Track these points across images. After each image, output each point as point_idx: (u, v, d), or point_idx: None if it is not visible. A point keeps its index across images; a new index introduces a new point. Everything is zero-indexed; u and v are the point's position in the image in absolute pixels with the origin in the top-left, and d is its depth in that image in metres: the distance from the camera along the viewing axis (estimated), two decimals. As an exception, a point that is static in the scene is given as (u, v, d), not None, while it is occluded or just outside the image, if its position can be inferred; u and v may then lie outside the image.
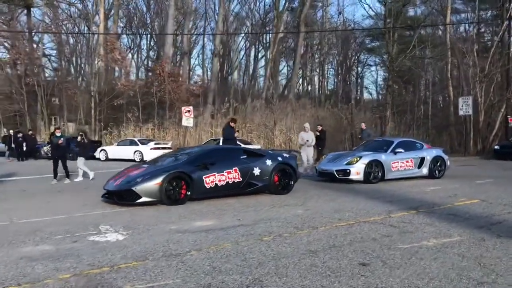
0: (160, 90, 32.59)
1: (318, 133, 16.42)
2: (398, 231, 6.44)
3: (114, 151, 24.81)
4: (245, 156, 9.96)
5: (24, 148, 24.46)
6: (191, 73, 50.03)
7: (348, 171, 12.18)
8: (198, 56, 57.03)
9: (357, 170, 12.12)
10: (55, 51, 42.57)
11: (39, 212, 8.13)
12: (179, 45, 45.55)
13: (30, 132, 26.78)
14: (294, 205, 8.72)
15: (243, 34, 48.41)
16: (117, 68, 39.99)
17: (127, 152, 24.10)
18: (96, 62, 35.45)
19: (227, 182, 9.38)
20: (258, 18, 49.08)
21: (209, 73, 46.50)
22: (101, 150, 25.21)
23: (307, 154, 14.77)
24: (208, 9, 49.26)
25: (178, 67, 40.28)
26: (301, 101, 34.08)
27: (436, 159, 13.38)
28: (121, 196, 8.62)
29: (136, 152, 23.72)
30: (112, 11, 41.25)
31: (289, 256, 5.14)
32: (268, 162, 10.02)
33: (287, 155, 10.67)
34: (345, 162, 12.41)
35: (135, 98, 32.61)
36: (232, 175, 9.45)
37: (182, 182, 8.81)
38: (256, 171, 9.79)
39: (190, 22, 42.59)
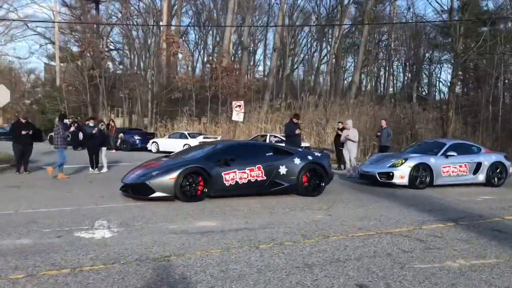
0: (215, 84, 32.55)
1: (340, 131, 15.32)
2: (422, 246, 5.53)
3: (165, 143, 25.00)
4: (271, 154, 9.28)
5: (80, 138, 25.25)
6: (254, 68, 49.98)
7: (391, 174, 11.13)
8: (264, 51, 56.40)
9: (401, 174, 11.04)
10: (121, 45, 44.02)
11: (52, 202, 7.95)
12: (241, 40, 45.42)
13: (87, 123, 27.60)
14: (317, 209, 7.95)
15: (306, 28, 47.26)
16: (179, 63, 40.56)
17: (176, 145, 24.14)
18: (155, 55, 36.03)
19: (249, 180, 8.77)
20: (324, 13, 47.69)
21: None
22: (152, 142, 25.52)
23: (350, 154, 13.81)
24: (273, 4, 48.53)
25: (234, 62, 40.05)
26: (360, 98, 32.56)
27: (495, 165, 11.94)
28: (136, 190, 8.28)
29: (186, 145, 23.73)
30: (175, 7, 41.84)
31: (277, 269, 4.45)
32: (297, 160, 9.29)
33: (319, 154, 9.85)
34: (389, 165, 11.36)
35: (191, 92, 32.83)
36: (255, 173, 8.82)
37: (199, 178, 8.32)
38: (283, 169, 9.10)
39: (251, 17, 42.22)
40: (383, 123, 15.35)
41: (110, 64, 41.63)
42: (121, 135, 27.19)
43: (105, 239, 5.41)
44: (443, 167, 11.36)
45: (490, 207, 8.60)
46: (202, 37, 50.62)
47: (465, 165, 11.61)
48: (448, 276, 4.40)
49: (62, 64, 43.58)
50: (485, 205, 8.84)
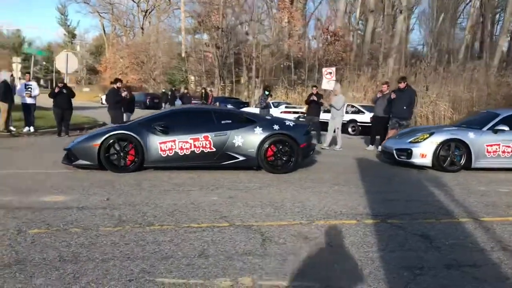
0: (324, 51, 30.66)
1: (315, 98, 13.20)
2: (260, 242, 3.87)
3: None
4: (228, 122, 7.86)
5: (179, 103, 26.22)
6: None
7: (409, 151, 8.76)
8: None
9: (422, 151, 8.61)
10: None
11: (38, 164, 7.85)
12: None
13: (186, 91, 28.38)
14: (238, 188, 6.43)
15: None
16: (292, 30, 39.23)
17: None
18: (262, 22, 35.32)
19: (193, 152, 7.53)
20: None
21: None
22: (242, 112, 25.19)
23: (335, 124, 12.02)
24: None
25: (350, 27, 37.17)
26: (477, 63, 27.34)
27: None
28: (66, 155, 7.69)
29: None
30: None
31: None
32: (258, 130, 7.72)
33: (291, 123, 8.06)
34: (410, 140, 8.95)
35: (303, 60, 31.44)
36: (200, 143, 7.54)
37: (129, 146, 7.41)
38: (238, 140, 7.65)
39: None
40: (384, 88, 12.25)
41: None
42: (217, 103, 27.53)
43: None
44: (487, 145, 8.56)
45: None
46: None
47: (523, 143, 8.59)
48: None
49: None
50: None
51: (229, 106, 26.56)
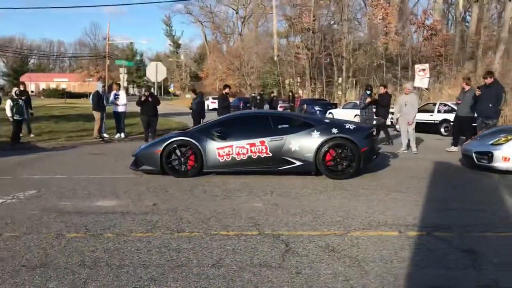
0: (421, 46, 29.08)
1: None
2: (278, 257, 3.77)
3: (339, 114, 23.89)
4: (285, 126, 7.73)
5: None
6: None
7: (490, 155, 7.91)
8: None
9: (505, 155, 7.73)
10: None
11: (74, 170, 8.54)
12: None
13: (273, 95, 28.58)
14: (287, 195, 6.28)
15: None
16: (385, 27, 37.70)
17: (348, 115, 22.77)
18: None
19: (250, 157, 7.53)
20: None
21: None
22: (329, 113, 24.77)
23: (408, 126, 11.18)
24: None
25: (445, 20, 34.72)
26: None
27: None
28: (133, 161, 8.13)
29: (356, 116, 22.14)
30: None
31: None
32: (315, 134, 7.49)
33: (351, 127, 7.67)
34: (491, 142, 8.08)
35: (397, 58, 30.14)
36: (257, 148, 7.52)
37: (189, 152, 7.63)
38: (294, 145, 7.50)
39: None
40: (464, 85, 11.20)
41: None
42: (304, 106, 27.36)
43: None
44: None
45: None
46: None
47: None
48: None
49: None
50: None
51: (316, 108, 26.32)
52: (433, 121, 17.56)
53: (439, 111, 17.80)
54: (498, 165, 7.80)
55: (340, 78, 33.84)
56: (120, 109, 14.69)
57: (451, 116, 17.06)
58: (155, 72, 17.45)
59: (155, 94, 15.63)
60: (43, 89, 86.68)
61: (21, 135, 12.97)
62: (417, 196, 6.20)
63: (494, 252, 4.00)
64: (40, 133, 15.14)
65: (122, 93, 15.01)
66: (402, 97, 11.66)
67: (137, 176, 7.80)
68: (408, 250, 4.07)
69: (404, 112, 11.27)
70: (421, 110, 16.66)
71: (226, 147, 7.55)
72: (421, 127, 15.75)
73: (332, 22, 41.15)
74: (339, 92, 33.09)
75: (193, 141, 7.58)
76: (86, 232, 4.57)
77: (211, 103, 43.20)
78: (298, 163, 7.50)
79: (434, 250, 4.07)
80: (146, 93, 14.02)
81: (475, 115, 10.37)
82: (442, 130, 17.26)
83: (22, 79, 53.48)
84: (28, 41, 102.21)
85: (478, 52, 27.03)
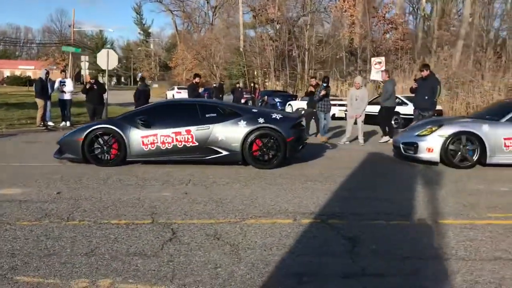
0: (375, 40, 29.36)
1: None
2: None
3: (298, 105, 23.96)
4: (213, 115, 7.65)
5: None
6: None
7: (415, 145, 8.02)
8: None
9: (429, 146, 7.85)
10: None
11: (41, 157, 8.30)
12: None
13: (238, 86, 28.42)
14: (202, 184, 6.21)
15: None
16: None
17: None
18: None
19: (175, 146, 7.43)
20: None
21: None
22: (288, 105, 24.81)
23: (358, 119, 11.35)
24: None
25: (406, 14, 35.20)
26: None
27: None
28: (59, 150, 7.88)
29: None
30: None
31: None
32: (242, 124, 7.44)
33: (278, 116, 7.65)
34: (417, 133, 8.20)
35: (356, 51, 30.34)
36: (182, 137, 7.41)
37: (112, 140, 7.46)
38: (221, 135, 7.43)
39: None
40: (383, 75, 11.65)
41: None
42: (265, 97, 27.35)
43: None
44: (505, 139, 7.62)
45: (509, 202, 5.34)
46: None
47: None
48: None
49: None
50: (504, 200, 5.52)
51: (277, 100, 26.34)
52: (383, 114, 17.74)
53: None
54: (423, 155, 7.93)
55: (298, 70, 33.94)
56: (66, 96, 14.33)
57: (400, 109, 17.37)
58: (106, 60, 17.03)
59: (101, 82, 15.26)
60: (7, 76, 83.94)
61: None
62: (332, 186, 6.22)
63: (376, 240, 4.03)
64: (-16, 120, 14.63)
65: (68, 81, 14.63)
66: (353, 91, 11.66)
67: (60, 165, 7.60)
68: (293, 237, 4.07)
69: (355, 106, 11.31)
70: (373, 102, 16.86)
71: (151, 135, 7.42)
72: (373, 119, 15.90)
73: (302, 14, 41.15)
74: (300, 84, 33.18)
75: (116, 129, 7.41)
76: (-30, 220, 4.39)
77: (176, 93, 42.81)
78: (224, 152, 7.43)
79: (318, 237, 4.07)
80: (92, 81, 13.69)
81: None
82: (392, 122, 17.47)
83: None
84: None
85: (434, 47, 27.49)
